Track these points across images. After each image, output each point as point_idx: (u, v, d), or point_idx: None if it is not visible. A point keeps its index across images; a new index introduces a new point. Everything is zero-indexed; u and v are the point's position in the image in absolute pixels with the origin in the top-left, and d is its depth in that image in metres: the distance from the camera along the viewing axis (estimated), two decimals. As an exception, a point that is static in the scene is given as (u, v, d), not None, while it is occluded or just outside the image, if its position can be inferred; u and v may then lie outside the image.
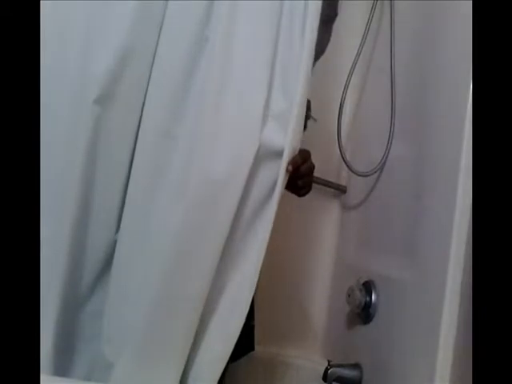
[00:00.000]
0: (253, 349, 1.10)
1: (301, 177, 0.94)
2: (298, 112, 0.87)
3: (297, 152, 0.90)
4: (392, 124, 1.28)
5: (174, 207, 0.87)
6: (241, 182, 0.86)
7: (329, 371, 1.22)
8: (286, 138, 0.87)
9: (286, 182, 0.89)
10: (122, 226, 0.92)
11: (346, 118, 1.46)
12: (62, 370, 0.89)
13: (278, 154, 0.88)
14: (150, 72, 0.91)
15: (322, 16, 0.89)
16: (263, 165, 0.89)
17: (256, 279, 0.87)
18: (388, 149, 1.29)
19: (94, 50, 0.88)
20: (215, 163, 0.86)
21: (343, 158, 1.42)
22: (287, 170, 0.88)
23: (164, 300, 0.86)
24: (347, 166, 1.42)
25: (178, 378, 0.87)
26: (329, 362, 1.25)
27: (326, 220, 1.60)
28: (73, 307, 0.91)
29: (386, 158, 1.30)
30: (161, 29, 0.91)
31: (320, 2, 0.89)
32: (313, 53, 0.89)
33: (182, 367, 0.87)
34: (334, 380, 1.22)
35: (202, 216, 0.86)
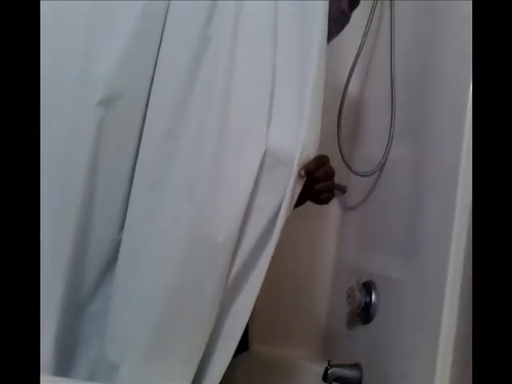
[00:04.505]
0: (247, 348, 1.10)
1: (317, 181, 0.93)
2: (310, 112, 0.86)
3: (312, 156, 0.88)
4: (392, 124, 1.28)
5: (180, 208, 0.86)
6: (248, 186, 0.85)
7: (329, 371, 1.22)
8: (297, 142, 0.86)
9: (299, 190, 0.88)
10: (126, 225, 0.91)
11: (346, 118, 1.46)
12: (62, 370, 0.89)
13: (285, 161, 0.86)
14: (154, 72, 0.91)
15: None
16: (270, 172, 0.87)
17: (259, 286, 0.88)
18: (388, 149, 1.29)
19: (95, 51, 0.87)
20: (221, 166, 0.85)
21: (343, 158, 1.42)
22: (299, 174, 0.86)
23: (171, 302, 0.85)
24: (347, 166, 1.42)
25: (189, 381, 0.87)
26: (329, 362, 1.25)
27: (326, 220, 1.60)
28: (75, 307, 0.91)
29: (386, 158, 1.30)
30: (163, 29, 0.91)
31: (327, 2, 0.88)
32: (324, 51, 0.88)
33: (193, 369, 0.87)
34: (333, 380, 1.22)
35: (210, 221, 0.85)
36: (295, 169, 0.86)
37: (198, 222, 0.85)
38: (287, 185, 0.86)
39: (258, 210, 0.87)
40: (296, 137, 0.86)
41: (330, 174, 0.95)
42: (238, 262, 0.88)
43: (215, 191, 0.85)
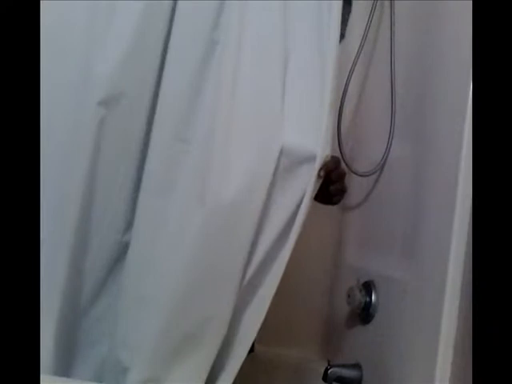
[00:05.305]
0: (252, 350, 1.10)
1: (332, 182, 0.93)
2: (328, 115, 0.86)
3: (329, 157, 0.88)
4: (392, 124, 1.28)
5: (190, 213, 0.86)
6: (263, 187, 0.84)
7: (329, 371, 1.22)
8: (316, 143, 0.86)
9: (316, 189, 0.88)
10: (134, 229, 0.91)
11: (346, 118, 1.46)
12: (63, 371, 0.89)
13: (306, 160, 0.86)
14: (157, 73, 0.91)
15: None
16: (288, 173, 0.86)
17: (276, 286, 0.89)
18: (388, 149, 1.29)
19: (96, 50, 0.87)
20: (232, 169, 0.85)
21: (343, 158, 1.41)
22: (319, 174, 0.86)
23: (182, 304, 0.85)
24: (347, 165, 1.42)
25: (202, 382, 0.86)
26: (329, 361, 1.25)
27: (326, 220, 1.60)
28: (76, 308, 0.91)
29: (386, 158, 1.30)
30: (168, 31, 0.91)
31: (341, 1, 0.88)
32: (337, 55, 0.88)
33: (207, 369, 0.87)
34: (334, 380, 1.22)
35: (224, 226, 0.84)
36: (317, 168, 0.86)
37: (209, 226, 0.85)
38: (307, 184, 0.86)
39: (276, 210, 0.87)
40: (316, 136, 0.86)
41: (343, 176, 0.96)
42: (255, 263, 0.87)
43: (227, 194, 0.84)
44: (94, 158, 0.88)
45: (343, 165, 1.42)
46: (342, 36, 1.09)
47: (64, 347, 0.89)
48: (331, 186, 0.92)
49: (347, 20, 1.10)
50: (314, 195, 0.88)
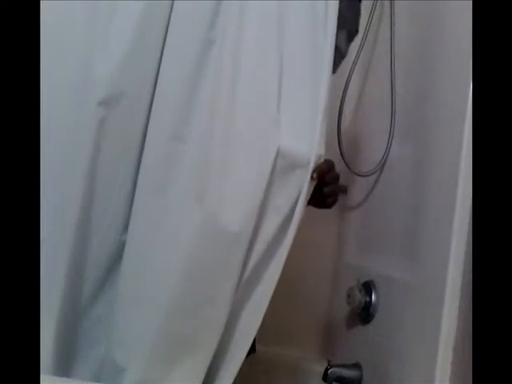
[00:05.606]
0: (254, 350, 1.10)
1: (326, 184, 0.93)
2: (322, 118, 0.86)
3: (322, 160, 0.88)
4: (392, 124, 1.28)
5: (188, 212, 0.86)
6: (261, 188, 0.85)
7: (329, 371, 1.22)
8: (311, 146, 0.86)
9: (310, 192, 0.88)
10: (129, 228, 0.91)
11: (346, 118, 1.46)
12: (63, 371, 0.89)
13: (301, 162, 0.86)
14: (157, 73, 0.91)
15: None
16: (284, 175, 0.87)
17: (273, 287, 0.88)
18: (388, 149, 1.29)
19: (96, 50, 0.87)
20: (230, 169, 0.85)
21: (343, 157, 1.42)
22: (312, 176, 0.87)
23: (179, 303, 0.85)
24: (347, 166, 1.42)
25: (199, 382, 0.86)
26: (329, 361, 1.25)
27: (326, 220, 1.60)
28: (76, 308, 0.90)
29: (386, 158, 1.30)
30: (166, 30, 0.90)
31: (337, 2, 0.88)
32: (332, 57, 0.88)
33: (204, 370, 0.87)
34: (334, 380, 1.22)
35: (220, 224, 0.84)
36: (310, 170, 0.86)
37: (207, 225, 0.85)
38: (301, 186, 0.86)
39: (273, 211, 0.87)
40: (310, 138, 0.86)
41: (337, 178, 0.96)
42: (252, 263, 0.87)
43: (225, 194, 0.84)
44: (94, 158, 0.88)
45: (340, 166, 1.43)
46: (356, 32, 1.09)
47: (64, 347, 0.89)
48: (325, 187, 0.93)
49: (359, 14, 1.09)
50: (308, 197, 0.88)
